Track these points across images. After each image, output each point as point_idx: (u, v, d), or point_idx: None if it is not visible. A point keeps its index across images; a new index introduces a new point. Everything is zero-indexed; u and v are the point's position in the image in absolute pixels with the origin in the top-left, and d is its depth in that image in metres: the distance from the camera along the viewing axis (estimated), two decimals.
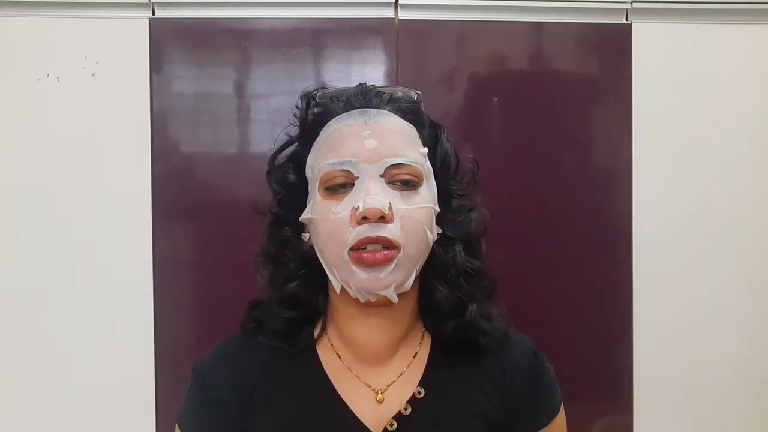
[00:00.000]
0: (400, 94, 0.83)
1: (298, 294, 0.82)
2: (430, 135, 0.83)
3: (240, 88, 1.41)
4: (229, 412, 0.81)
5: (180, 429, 0.84)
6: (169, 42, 1.40)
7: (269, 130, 1.41)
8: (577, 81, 1.47)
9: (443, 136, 0.85)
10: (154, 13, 1.39)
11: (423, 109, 0.84)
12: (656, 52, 1.45)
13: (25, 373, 1.38)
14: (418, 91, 0.85)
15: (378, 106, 0.80)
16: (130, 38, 1.38)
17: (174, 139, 1.41)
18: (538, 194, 1.44)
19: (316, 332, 0.84)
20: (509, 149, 1.45)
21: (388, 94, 0.82)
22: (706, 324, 1.47)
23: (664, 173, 1.46)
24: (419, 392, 0.80)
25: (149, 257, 1.38)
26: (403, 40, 1.42)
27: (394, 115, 0.80)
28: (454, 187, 0.85)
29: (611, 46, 1.46)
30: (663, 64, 1.45)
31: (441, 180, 0.83)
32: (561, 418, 0.87)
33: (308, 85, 0.87)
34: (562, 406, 0.87)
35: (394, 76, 1.41)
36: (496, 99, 1.45)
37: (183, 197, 1.40)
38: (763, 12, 1.46)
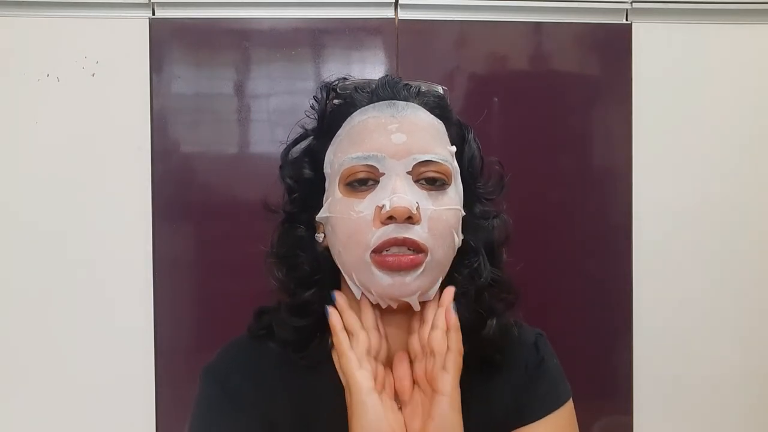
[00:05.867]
0: (424, 88, 0.77)
1: (312, 301, 0.75)
2: (458, 133, 0.78)
3: (240, 88, 1.41)
4: (251, 413, 0.74)
5: None
6: (169, 42, 1.40)
7: (269, 130, 1.41)
8: (577, 81, 1.47)
9: (470, 136, 0.80)
10: (154, 13, 1.39)
11: (450, 105, 0.79)
12: (656, 52, 1.45)
13: (26, 373, 1.38)
14: (444, 87, 0.79)
15: (406, 99, 0.75)
16: (130, 38, 1.39)
17: (174, 139, 1.41)
18: (538, 194, 1.44)
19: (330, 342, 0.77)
20: (509, 149, 1.45)
21: (415, 87, 0.77)
22: (705, 324, 1.47)
23: (664, 173, 1.46)
24: None
25: (149, 257, 1.38)
26: (403, 40, 1.42)
27: (422, 109, 0.75)
28: (480, 191, 0.79)
29: (611, 46, 1.46)
30: (663, 64, 1.45)
31: (467, 182, 0.77)
32: (563, 418, 0.79)
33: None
34: (568, 404, 0.80)
35: (394, 76, 1.40)
36: (496, 99, 1.45)
37: (183, 197, 1.40)
38: (763, 12, 1.46)
